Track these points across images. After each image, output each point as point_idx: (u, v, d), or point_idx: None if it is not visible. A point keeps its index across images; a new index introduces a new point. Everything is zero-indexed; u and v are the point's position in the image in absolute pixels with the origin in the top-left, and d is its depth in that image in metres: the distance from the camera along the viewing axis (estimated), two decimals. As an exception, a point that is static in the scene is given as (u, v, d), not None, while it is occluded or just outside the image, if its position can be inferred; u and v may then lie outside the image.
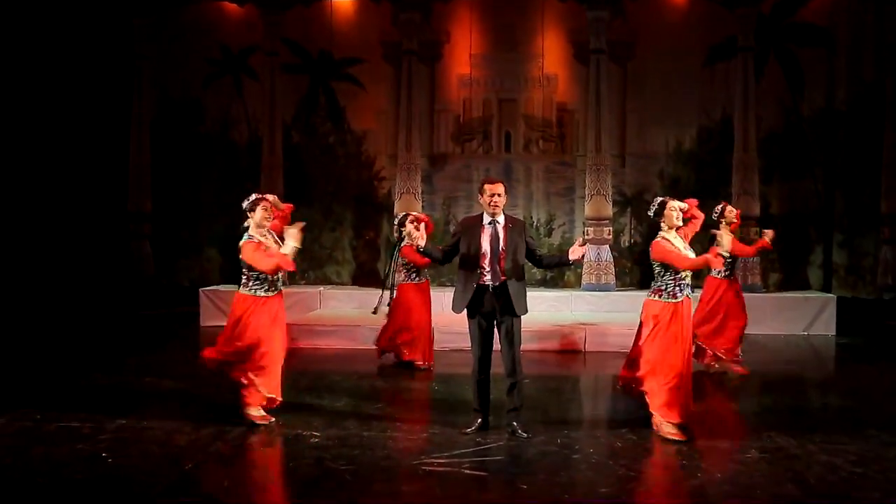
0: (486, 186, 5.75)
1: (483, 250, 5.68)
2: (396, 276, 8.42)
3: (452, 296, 5.81)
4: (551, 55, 12.57)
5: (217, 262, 12.89)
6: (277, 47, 12.65)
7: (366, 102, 12.88)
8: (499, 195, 5.70)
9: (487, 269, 5.67)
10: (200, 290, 11.62)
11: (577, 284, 12.21)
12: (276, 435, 5.83)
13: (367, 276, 12.78)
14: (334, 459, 5.19)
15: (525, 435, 5.69)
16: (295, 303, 11.30)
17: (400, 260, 8.31)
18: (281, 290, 6.14)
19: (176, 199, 12.97)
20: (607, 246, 11.97)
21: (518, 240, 5.73)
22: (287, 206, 6.55)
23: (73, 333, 10.64)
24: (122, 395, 7.12)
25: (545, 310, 10.87)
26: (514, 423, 5.76)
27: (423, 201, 12.34)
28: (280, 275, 6.06)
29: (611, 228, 12.05)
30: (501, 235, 5.70)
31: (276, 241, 6.08)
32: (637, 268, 12.49)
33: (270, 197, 6.28)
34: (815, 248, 12.28)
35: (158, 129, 13.01)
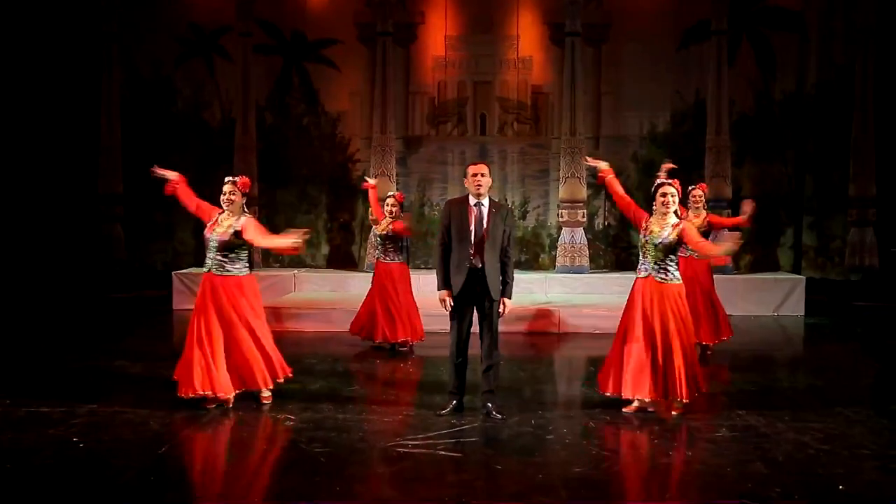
0: (470, 168, 5.81)
1: (470, 231, 5.71)
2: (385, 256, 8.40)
3: (444, 276, 5.77)
4: (526, 37, 12.56)
5: (191, 245, 12.77)
6: (250, 27, 12.50)
7: (340, 84, 12.79)
8: (482, 175, 5.74)
9: (473, 250, 5.70)
10: (173, 273, 11.52)
11: (551, 267, 12.29)
12: (251, 418, 5.82)
13: (341, 259, 12.74)
14: (309, 442, 5.19)
15: (500, 416, 5.73)
16: (269, 286, 11.25)
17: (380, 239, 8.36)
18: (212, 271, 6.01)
19: (148, 181, 12.67)
20: (581, 228, 12.03)
21: (500, 224, 5.76)
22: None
23: (44, 317, 10.51)
24: (94, 379, 7.06)
25: (519, 292, 10.85)
26: (489, 405, 5.80)
27: (397, 183, 12.31)
28: (213, 254, 6.00)
29: (585, 211, 12.11)
30: (486, 218, 5.73)
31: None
32: (611, 250, 12.58)
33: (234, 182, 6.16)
34: (786, 230, 12.46)
35: (129, 109, 12.82)
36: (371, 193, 8.85)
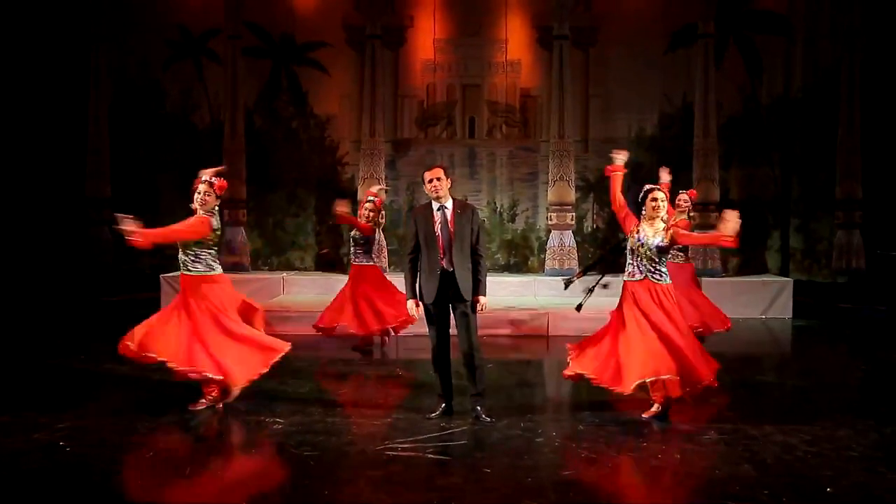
0: (426, 174, 5.83)
1: (437, 236, 5.72)
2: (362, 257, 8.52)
3: (412, 285, 5.80)
4: (515, 40, 12.58)
5: (178, 249, 12.68)
6: (239, 30, 12.46)
7: (329, 87, 12.77)
8: (438, 179, 5.75)
9: (442, 254, 5.71)
10: (161, 276, 11.47)
11: (540, 270, 12.30)
12: (240, 422, 5.80)
13: (330, 262, 12.72)
14: (298, 446, 5.18)
15: (488, 419, 5.74)
16: (258, 289, 11.23)
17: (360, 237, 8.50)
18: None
19: (135, 185, 12.73)
20: (570, 231, 12.06)
21: (467, 225, 5.77)
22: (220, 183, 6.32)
23: (32, 321, 10.44)
24: (81, 383, 7.01)
25: (508, 295, 10.93)
26: (478, 408, 5.80)
27: (386, 187, 12.29)
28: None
29: (574, 214, 12.14)
30: (450, 220, 5.75)
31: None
32: (600, 253, 12.59)
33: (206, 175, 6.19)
34: (773, 232, 12.53)
35: (117, 112, 12.74)
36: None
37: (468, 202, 6.09)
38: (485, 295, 5.82)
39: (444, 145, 12.76)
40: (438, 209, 5.78)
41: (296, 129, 12.86)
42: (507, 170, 12.71)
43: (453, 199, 5.85)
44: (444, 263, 5.71)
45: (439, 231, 5.73)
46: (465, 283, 5.71)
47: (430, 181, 5.76)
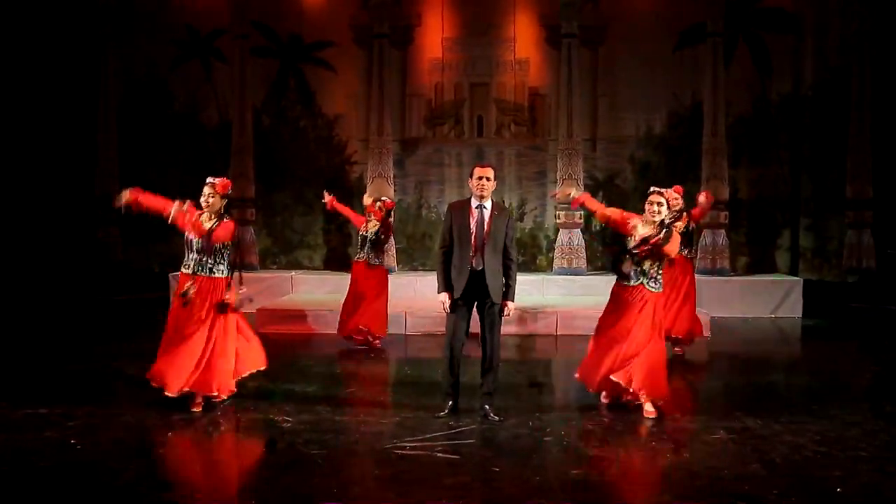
0: (476, 170, 5.83)
1: (471, 233, 5.72)
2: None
3: (445, 278, 5.78)
4: (523, 39, 12.56)
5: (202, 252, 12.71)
6: (246, 30, 12.48)
7: (337, 86, 12.78)
8: (487, 178, 5.76)
9: (473, 252, 5.71)
10: (171, 274, 11.50)
11: (549, 268, 12.29)
12: (248, 420, 5.81)
13: (338, 261, 12.73)
14: (306, 444, 5.19)
15: (497, 418, 5.74)
16: (266, 287, 11.27)
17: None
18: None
19: (144, 183, 12.68)
20: (578, 230, 12.04)
21: (502, 227, 5.78)
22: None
23: (42, 320, 10.49)
24: (91, 381, 7.04)
25: (517, 293, 10.89)
26: (487, 407, 5.80)
27: (394, 185, 12.30)
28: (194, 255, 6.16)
29: (582, 213, 12.11)
30: (487, 220, 5.75)
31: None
32: (608, 251, 12.57)
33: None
34: (783, 231, 12.48)
35: (126, 111, 12.80)
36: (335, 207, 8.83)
37: (505, 206, 6.12)
38: (513, 300, 5.84)
39: (453, 144, 12.75)
40: (477, 207, 5.78)
41: (303, 128, 12.88)
42: (515, 168, 12.69)
43: (492, 201, 5.85)
44: (474, 262, 5.71)
45: (474, 228, 5.73)
46: (493, 284, 5.73)
47: (480, 178, 5.76)
